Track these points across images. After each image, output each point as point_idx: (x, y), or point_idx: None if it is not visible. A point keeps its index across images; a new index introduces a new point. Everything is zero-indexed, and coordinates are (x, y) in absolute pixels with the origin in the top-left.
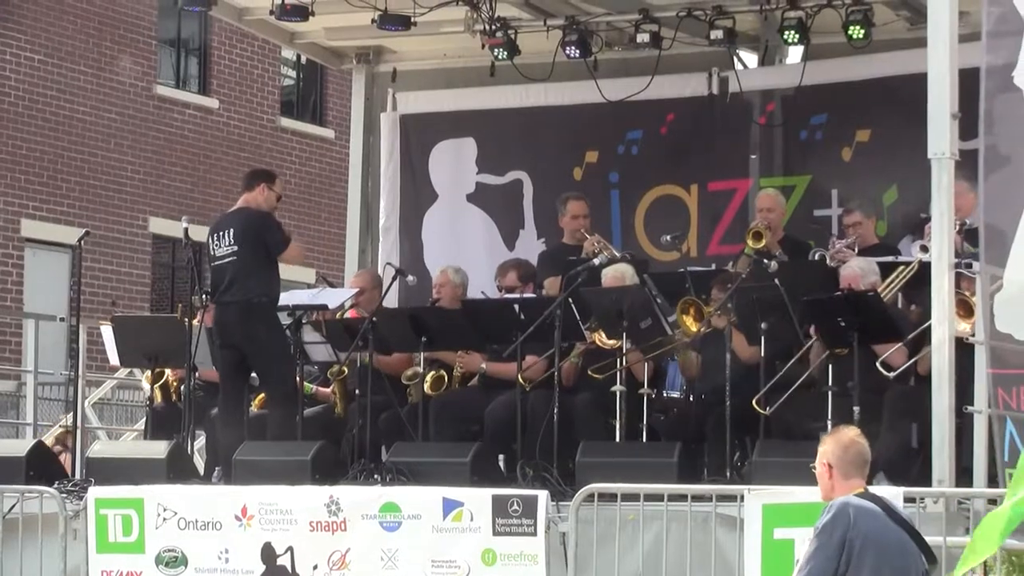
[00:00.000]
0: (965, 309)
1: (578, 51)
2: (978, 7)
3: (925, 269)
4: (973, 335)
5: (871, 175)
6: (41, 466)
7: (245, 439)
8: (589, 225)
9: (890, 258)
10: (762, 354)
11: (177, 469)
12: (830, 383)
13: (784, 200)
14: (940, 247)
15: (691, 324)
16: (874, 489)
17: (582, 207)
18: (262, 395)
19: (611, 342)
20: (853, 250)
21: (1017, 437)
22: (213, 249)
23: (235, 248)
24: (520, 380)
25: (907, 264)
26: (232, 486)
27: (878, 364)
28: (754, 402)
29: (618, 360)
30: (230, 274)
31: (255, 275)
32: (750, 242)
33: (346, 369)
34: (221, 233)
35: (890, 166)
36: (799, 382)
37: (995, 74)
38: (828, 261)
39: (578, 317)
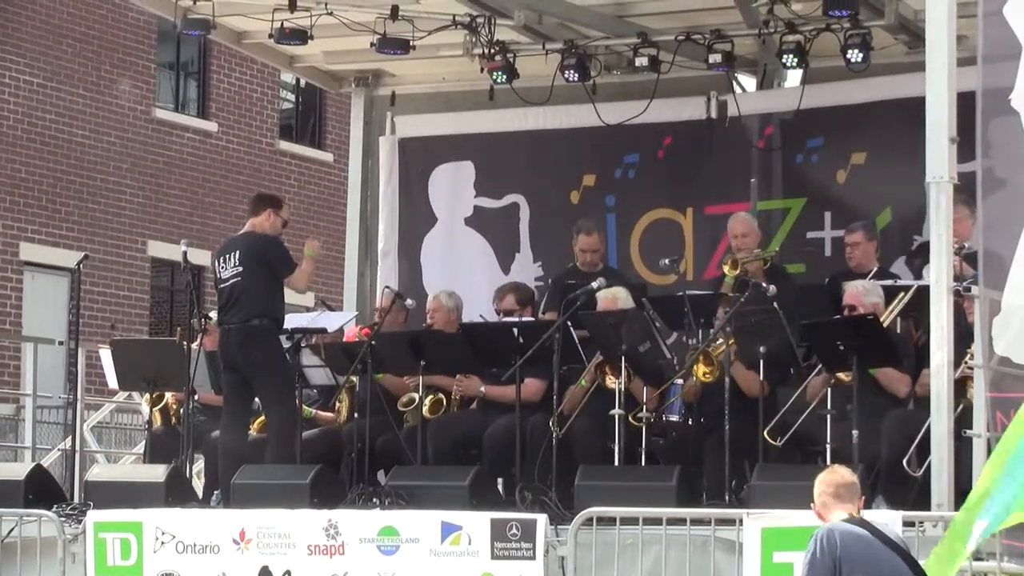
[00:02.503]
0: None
1: (577, 75)
2: (976, 31)
3: (924, 293)
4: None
5: (865, 197)
6: (40, 490)
7: (246, 462)
8: (598, 259)
9: (890, 282)
10: (761, 378)
11: (176, 493)
12: (829, 407)
13: (756, 224)
14: (939, 271)
15: (702, 367)
16: (868, 513)
17: (590, 242)
18: (261, 419)
19: (618, 381)
20: None
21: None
22: (219, 271)
23: (240, 269)
24: (553, 425)
25: (905, 289)
26: (230, 510)
27: (904, 465)
28: (765, 433)
29: (617, 383)
30: (235, 296)
31: (258, 297)
32: (726, 269)
33: (355, 379)
34: (227, 255)
35: (884, 189)
36: (808, 410)
37: (991, 97)
38: None
39: (577, 341)
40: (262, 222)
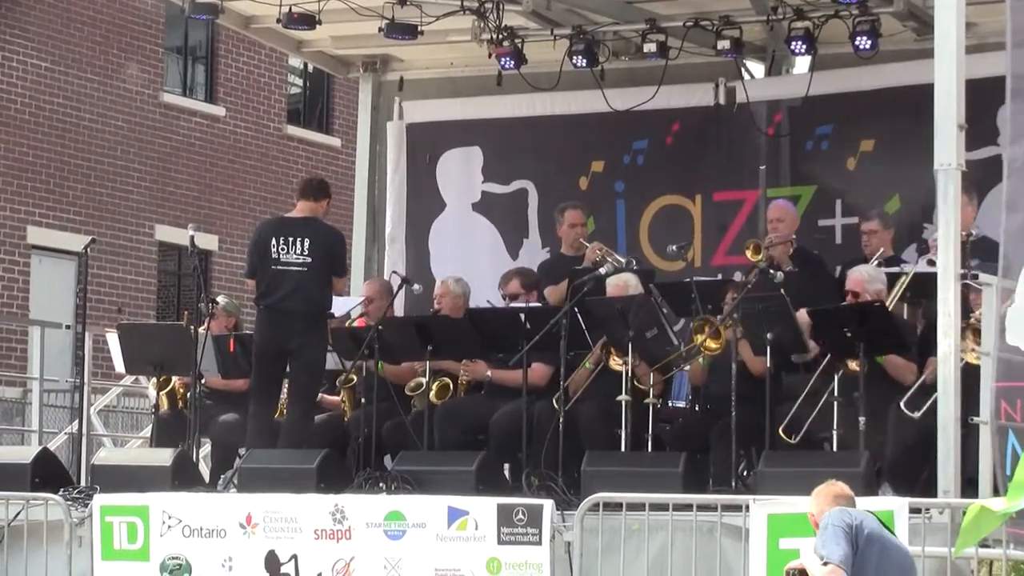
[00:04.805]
0: (976, 335)
1: (585, 60)
2: (985, 18)
3: (925, 279)
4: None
5: (875, 185)
6: (46, 473)
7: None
8: (587, 233)
9: (896, 269)
10: (768, 364)
11: (182, 477)
12: (835, 393)
13: (795, 211)
14: (946, 259)
15: (711, 342)
16: (875, 500)
17: (578, 215)
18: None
19: (622, 361)
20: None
21: (1020, 449)
22: (277, 252)
23: (309, 260)
24: (556, 403)
25: (907, 275)
26: (237, 494)
27: (902, 406)
28: (780, 431)
29: (624, 369)
30: (296, 282)
31: (321, 288)
32: (749, 253)
33: (354, 376)
34: (291, 239)
35: (893, 176)
36: (827, 396)
37: (1021, 85)
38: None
39: (584, 326)
40: (317, 209)
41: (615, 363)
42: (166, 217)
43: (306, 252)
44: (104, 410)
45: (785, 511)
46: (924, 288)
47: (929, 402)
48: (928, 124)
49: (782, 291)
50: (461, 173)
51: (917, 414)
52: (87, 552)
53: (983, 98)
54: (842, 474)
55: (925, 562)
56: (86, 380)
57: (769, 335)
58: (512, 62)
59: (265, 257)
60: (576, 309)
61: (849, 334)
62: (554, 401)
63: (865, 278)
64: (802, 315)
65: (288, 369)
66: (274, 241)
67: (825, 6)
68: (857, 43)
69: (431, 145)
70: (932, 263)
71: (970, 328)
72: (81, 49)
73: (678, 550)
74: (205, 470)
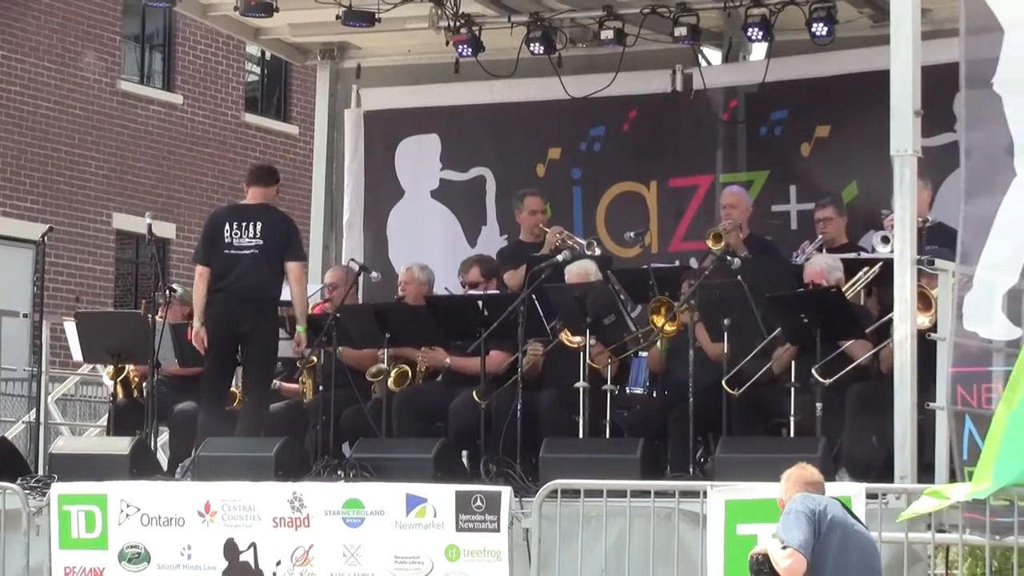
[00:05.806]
0: (924, 302)
1: (542, 47)
2: (940, 5)
3: (887, 268)
4: (933, 329)
5: (830, 171)
6: (3, 462)
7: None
8: (546, 220)
9: (853, 255)
10: (725, 350)
11: (140, 465)
12: (793, 379)
13: (748, 197)
14: (902, 245)
15: (667, 326)
16: (831, 486)
17: (539, 202)
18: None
19: (577, 340)
20: (822, 252)
21: (976, 434)
22: (230, 237)
23: (260, 243)
24: (477, 396)
25: (871, 264)
26: (195, 482)
27: (813, 370)
28: (724, 383)
29: (581, 356)
30: (248, 266)
31: (273, 273)
32: (709, 243)
33: (315, 357)
34: (244, 224)
35: (850, 162)
36: (762, 371)
37: (975, 71)
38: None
39: (542, 313)
40: (270, 194)
41: (567, 339)
42: (124, 205)
43: (258, 235)
44: (62, 399)
45: (742, 497)
46: (880, 275)
47: (846, 370)
48: (884, 110)
49: (739, 277)
50: (419, 160)
51: (828, 381)
52: (45, 541)
53: (939, 84)
54: (799, 460)
55: (882, 547)
56: (44, 369)
57: (726, 321)
58: (469, 49)
59: (218, 242)
60: (534, 296)
61: (806, 320)
62: (475, 394)
63: (824, 268)
64: None
65: (240, 356)
66: (227, 226)
67: None
68: (814, 30)
69: (389, 133)
70: (886, 240)
71: (920, 297)
72: (38, 37)
73: (636, 536)
74: (163, 458)
